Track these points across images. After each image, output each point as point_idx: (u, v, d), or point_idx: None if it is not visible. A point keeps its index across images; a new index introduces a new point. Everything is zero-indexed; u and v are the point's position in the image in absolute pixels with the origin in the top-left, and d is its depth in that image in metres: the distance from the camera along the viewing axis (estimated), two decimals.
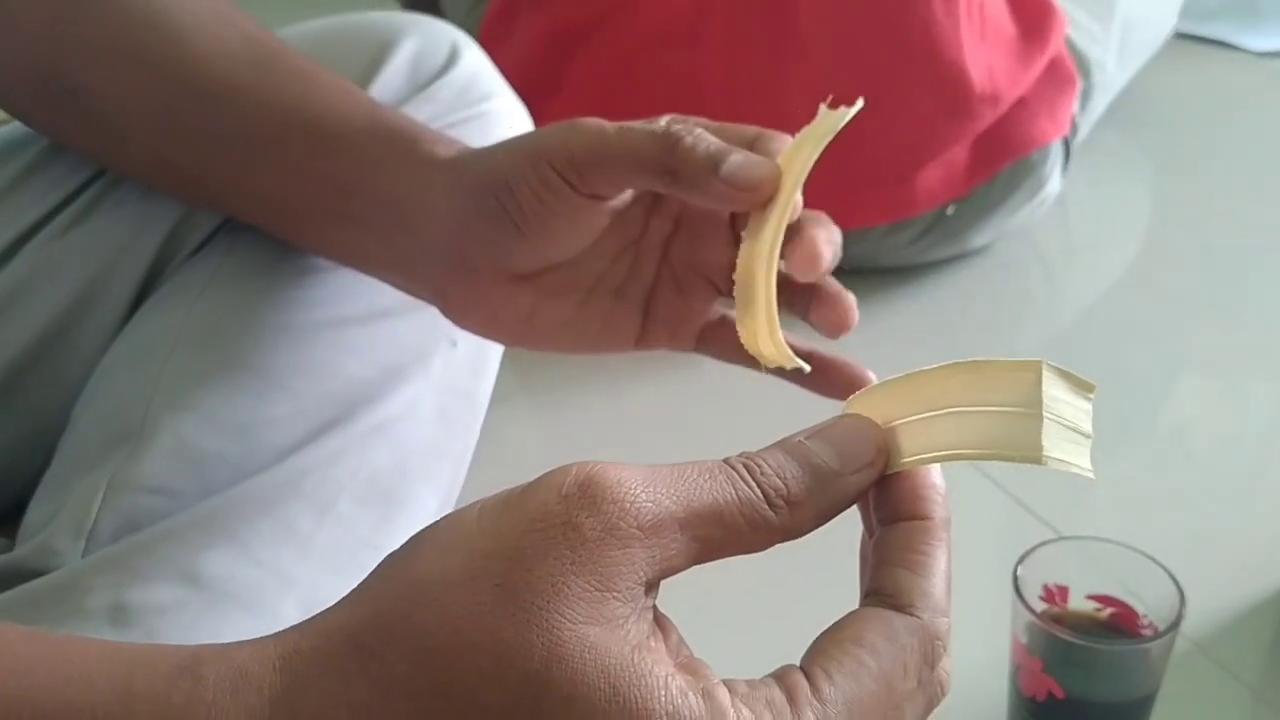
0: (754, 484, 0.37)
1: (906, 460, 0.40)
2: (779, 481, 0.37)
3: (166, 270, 0.71)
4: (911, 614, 0.38)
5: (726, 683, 0.34)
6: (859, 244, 1.45)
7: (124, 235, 0.70)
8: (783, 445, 0.39)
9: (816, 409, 0.51)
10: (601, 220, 0.59)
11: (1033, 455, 0.38)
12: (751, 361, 0.56)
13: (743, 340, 0.55)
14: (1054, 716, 0.83)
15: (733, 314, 0.57)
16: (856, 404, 0.42)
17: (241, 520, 0.63)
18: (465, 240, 0.59)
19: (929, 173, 1.43)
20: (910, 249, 1.49)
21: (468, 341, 0.72)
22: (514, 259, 0.59)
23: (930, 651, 0.37)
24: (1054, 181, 1.54)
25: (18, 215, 0.70)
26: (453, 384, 0.74)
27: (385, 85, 0.74)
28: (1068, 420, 0.40)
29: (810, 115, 0.55)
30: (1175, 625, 0.79)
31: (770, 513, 0.37)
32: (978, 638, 0.95)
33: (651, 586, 0.35)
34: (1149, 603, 0.83)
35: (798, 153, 0.54)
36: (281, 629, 0.36)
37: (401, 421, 0.70)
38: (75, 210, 0.70)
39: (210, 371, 0.66)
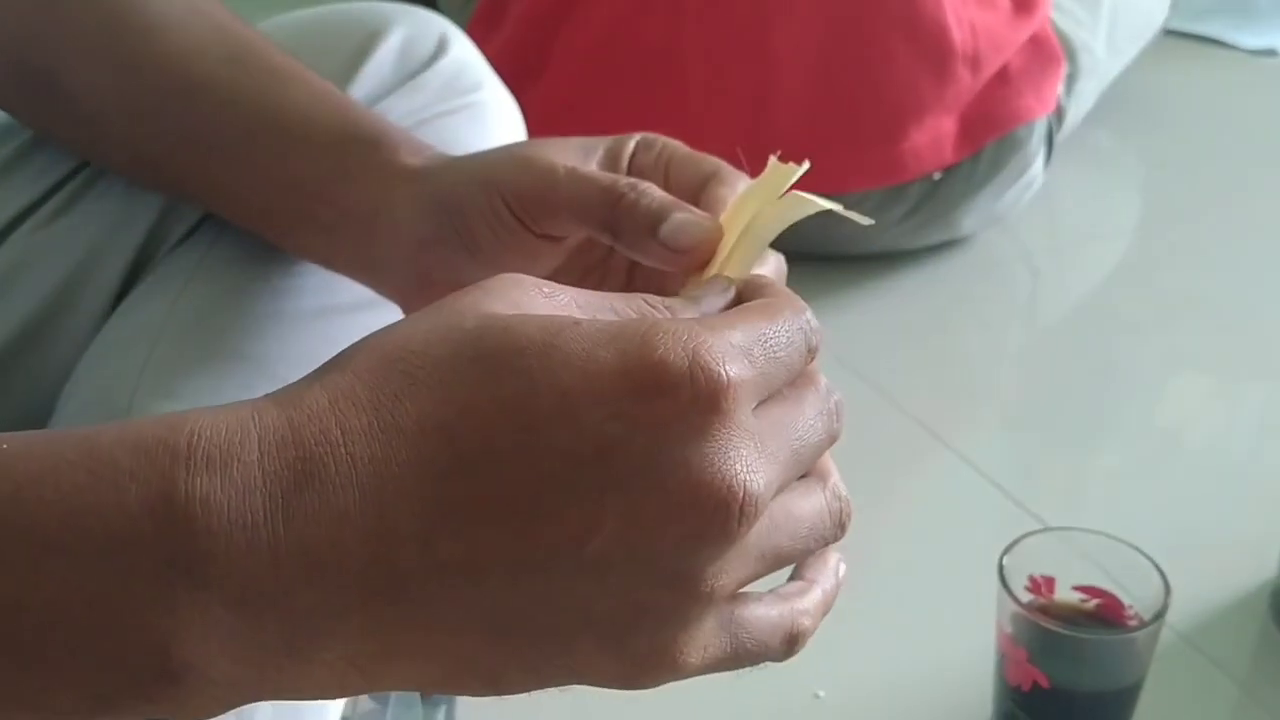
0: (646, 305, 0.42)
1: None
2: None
3: (152, 259, 0.71)
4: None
5: None
6: (849, 222, 1.45)
7: (109, 224, 0.70)
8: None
9: None
10: (557, 257, 0.58)
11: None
12: None
13: None
14: (1039, 706, 0.83)
15: None
16: None
17: None
18: (423, 256, 0.59)
19: (916, 138, 1.45)
20: (899, 229, 1.50)
21: None
22: (469, 280, 0.58)
23: (803, 315, 0.41)
24: (1039, 163, 1.55)
25: (2, 205, 0.70)
26: None
27: (372, 75, 0.74)
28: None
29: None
30: (1160, 615, 0.80)
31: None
32: (963, 627, 0.96)
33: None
34: (1135, 594, 0.83)
35: (741, 209, 0.51)
36: None
37: None
38: (61, 199, 0.70)
39: (196, 360, 0.65)
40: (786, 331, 0.39)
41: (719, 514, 0.35)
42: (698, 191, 0.54)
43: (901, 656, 1.01)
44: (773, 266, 0.55)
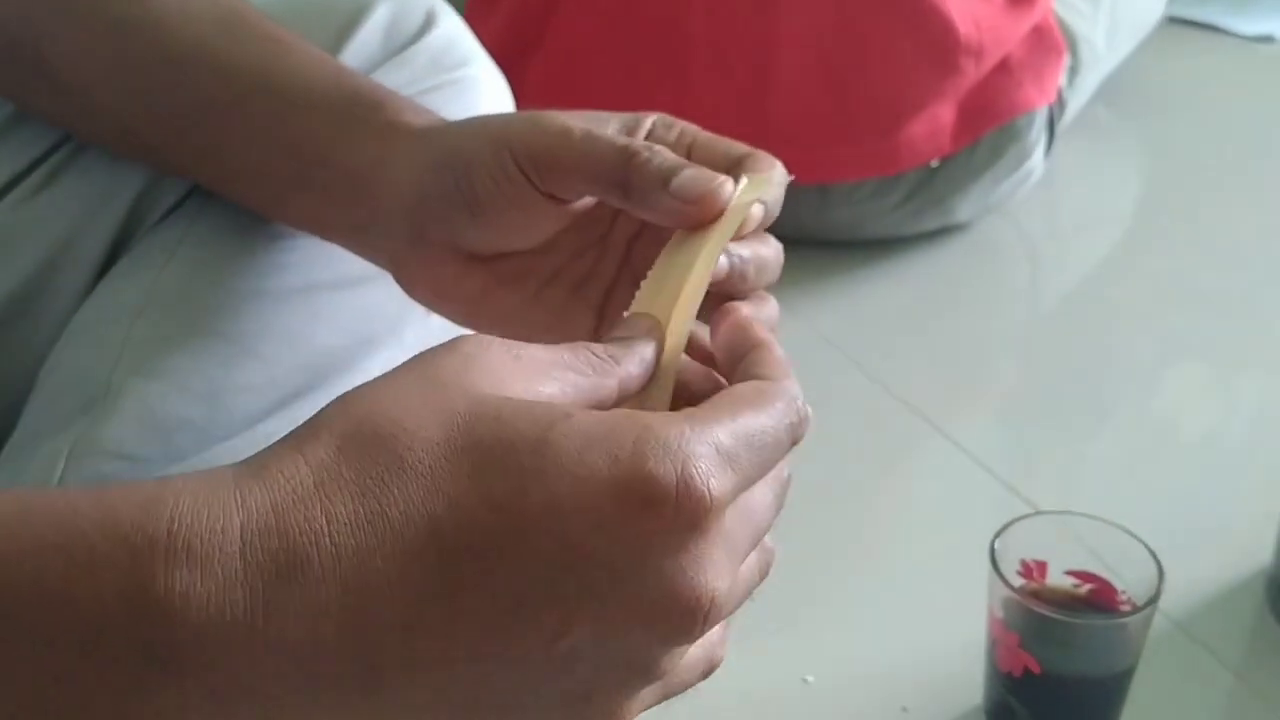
0: (581, 351, 0.43)
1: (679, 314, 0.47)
2: (598, 352, 0.44)
3: (135, 235, 0.70)
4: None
5: None
6: (844, 207, 1.45)
7: (92, 199, 0.69)
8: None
9: None
10: (559, 221, 0.57)
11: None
12: None
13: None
14: (1031, 692, 0.82)
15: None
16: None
17: None
18: (420, 212, 0.58)
19: (913, 129, 1.44)
20: (895, 215, 1.49)
21: None
22: (466, 240, 0.58)
23: (794, 411, 0.42)
24: (1038, 154, 1.54)
25: None
26: None
27: (358, 50, 0.73)
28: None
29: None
30: (1154, 600, 0.79)
31: (603, 361, 0.43)
32: (954, 613, 0.95)
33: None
34: (1128, 579, 0.83)
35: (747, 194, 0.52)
36: None
37: None
38: (42, 174, 0.69)
39: (177, 337, 0.65)
40: (774, 431, 0.40)
41: (686, 619, 0.37)
42: (729, 172, 0.53)
43: (891, 642, 1.01)
44: (773, 251, 0.55)
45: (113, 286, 0.68)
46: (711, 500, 0.36)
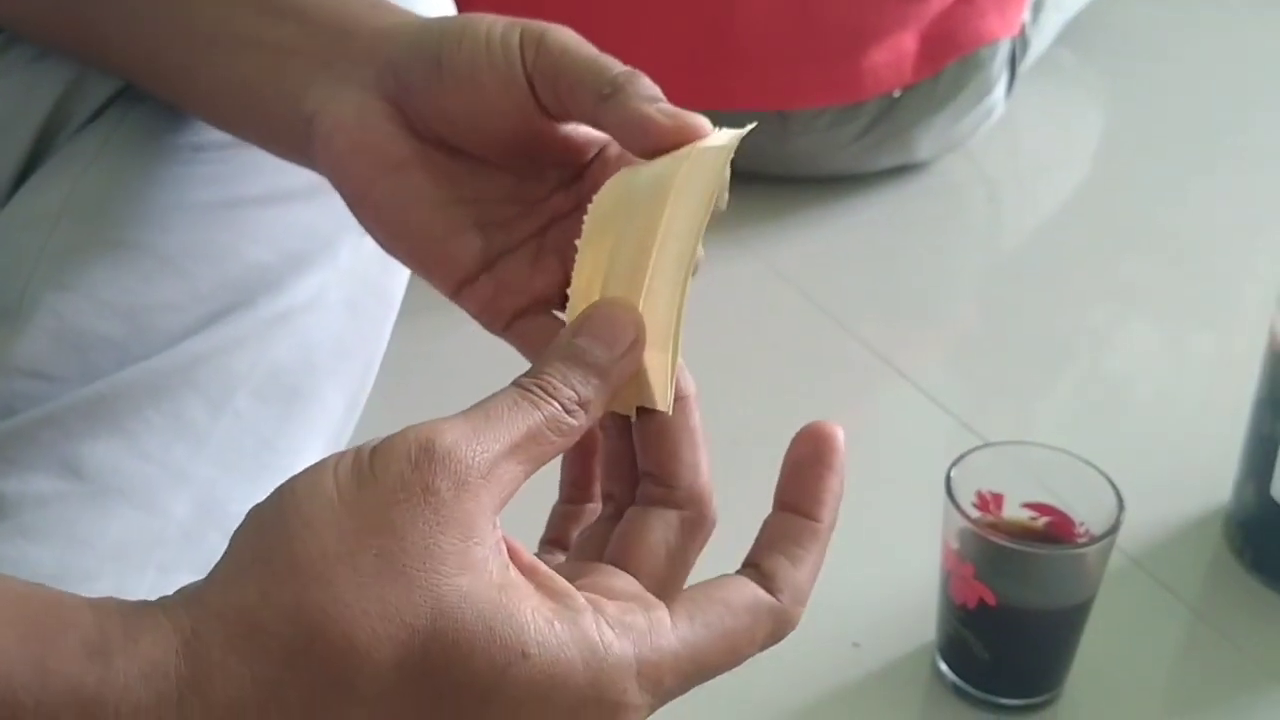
0: (552, 400, 0.42)
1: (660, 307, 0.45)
2: (570, 391, 0.43)
3: (54, 143, 0.66)
4: (778, 599, 0.43)
5: (591, 601, 0.40)
6: (803, 136, 1.43)
7: (8, 105, 0.66)
8: (557, 352, 0.44)
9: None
10: (518, 118, 0.52)
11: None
12: None
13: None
14: (985, 624, 0.81)
15: (562, 317, 0.50)
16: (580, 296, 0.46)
17: (129, 409, 0.59)
18: (383, 54, 0.53)
19: (875, 56, 1.42)
20: (855, 148, 1.47)
21: None
22: (413, 95, 0.52)
23: (780, 631, 0.44)
24: (1000, 90, 1.52)
25: None
26: (363, 276, 0.70)
27: None
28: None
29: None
30: (1113, 530, 0.77)
31: (571, 420, 0.42)
32: (907, 551, 0.94)
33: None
34: (1085, 512, 0.81)
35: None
36: (173, 590, 0.39)
37: (306, 312, 0.66)
38: None
39: (96, 249, 0.62)
40: (739, 658, 0.43)
41: None
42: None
43: (842, 577, 0.98)
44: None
45: (29, 196, 0.65)
46: None
